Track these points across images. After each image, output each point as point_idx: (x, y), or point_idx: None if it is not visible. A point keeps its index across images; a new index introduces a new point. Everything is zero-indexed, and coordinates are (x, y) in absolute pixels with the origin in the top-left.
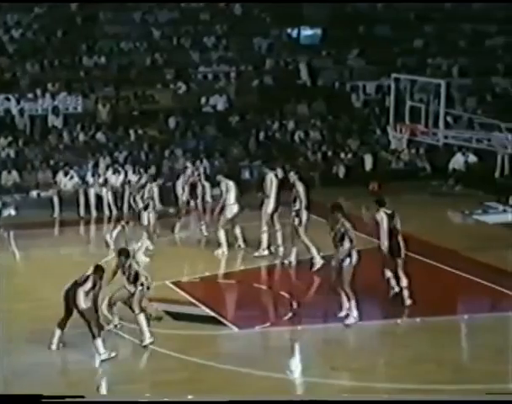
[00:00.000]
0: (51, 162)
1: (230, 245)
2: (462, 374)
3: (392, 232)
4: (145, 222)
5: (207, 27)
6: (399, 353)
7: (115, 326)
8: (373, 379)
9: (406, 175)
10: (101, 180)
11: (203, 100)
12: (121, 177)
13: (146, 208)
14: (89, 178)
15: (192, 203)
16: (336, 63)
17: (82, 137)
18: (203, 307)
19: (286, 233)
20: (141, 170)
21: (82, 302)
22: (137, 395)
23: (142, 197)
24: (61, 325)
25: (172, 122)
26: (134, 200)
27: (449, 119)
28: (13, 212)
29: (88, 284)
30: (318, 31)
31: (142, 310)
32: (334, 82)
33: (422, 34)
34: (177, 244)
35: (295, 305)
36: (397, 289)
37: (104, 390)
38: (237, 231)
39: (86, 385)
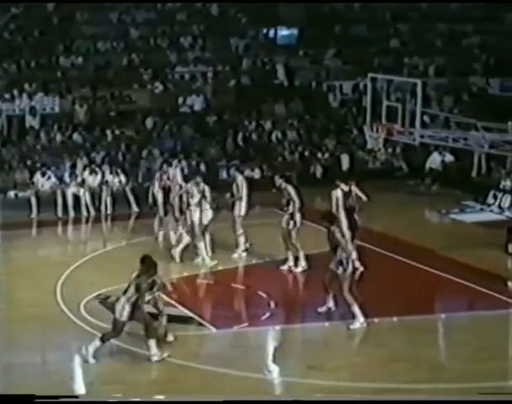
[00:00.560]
0: (29, 163)
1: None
2: (439, 373)
3: (349, 210)
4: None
5: (184, 27)
6: (376, 353)
7: None
8: (350, 378)
9: (383, 174)
10: (78, 180)
11: (180, 100)
12: (98, 177)
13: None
14: (67, 179)
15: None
16: (313, 63)
17: (59, 138)
18: (181, 308)
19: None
20: (119, 170)
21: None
22: (114, 394)
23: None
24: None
25: (149, 122)
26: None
27: (426, 118)
28: None
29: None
30: (295, 31)
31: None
32: (311, 82)
33: (398, 33)
34: (155, 244)
35: (272, 305)
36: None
37: (80, 391)
38: (207, 237)
39: (64, 387)
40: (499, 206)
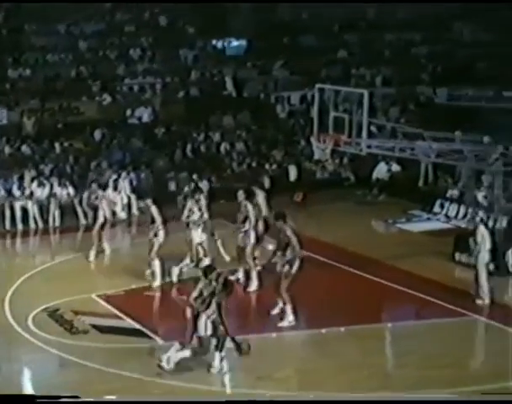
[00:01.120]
0: None
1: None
2: (389, 381)
3: None
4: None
5: (133, 39)
6: (325, 362)
7: None
8: (299, 388)
9: (330, 185)
10: (27, 193)
11: (128, 112)
12: (46, 189)
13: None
14: (15, 191)
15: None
16: (261, 74)
17: (7, 150)
18: (128, 320)
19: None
20: (67, 182)
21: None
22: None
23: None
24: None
25: (97, 134)
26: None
27: (373, 128)
28: None
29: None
30: (244, 42)
31: None
32: (259, 93)
33: (346, 44)
34: (103, 256)
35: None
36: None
37: None
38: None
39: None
40: (446, 215)
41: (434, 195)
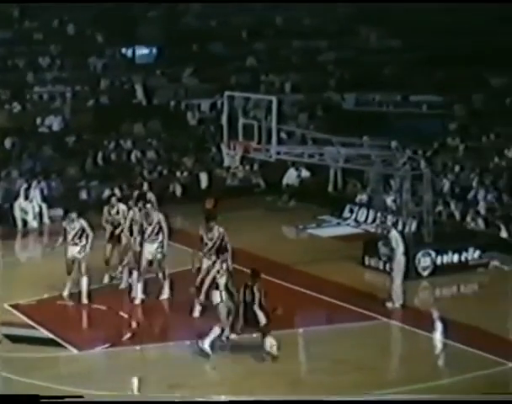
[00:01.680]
0: None
1: None
2: (298, 386)
3: None
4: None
5: (41, 47)
6: (235, 368)
7: None
8: (209, 394)
9: (241, 191)
10: None
11: (38, 120)
12: None
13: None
14: None
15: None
16: (171, 82)
17: None
18: (42, 330)
19: None
20: None
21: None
22: None
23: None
24: None
25: (7, 143)
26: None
27: (283, 135)
28: None
29: None
30: (154, 50)
31: None
32: (170, 101)
33: (254, 51)
34: (16, 265)
35: (134, 325)
36: None
37: None
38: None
39: None
40: (356, 220)
41: (344, 200)
